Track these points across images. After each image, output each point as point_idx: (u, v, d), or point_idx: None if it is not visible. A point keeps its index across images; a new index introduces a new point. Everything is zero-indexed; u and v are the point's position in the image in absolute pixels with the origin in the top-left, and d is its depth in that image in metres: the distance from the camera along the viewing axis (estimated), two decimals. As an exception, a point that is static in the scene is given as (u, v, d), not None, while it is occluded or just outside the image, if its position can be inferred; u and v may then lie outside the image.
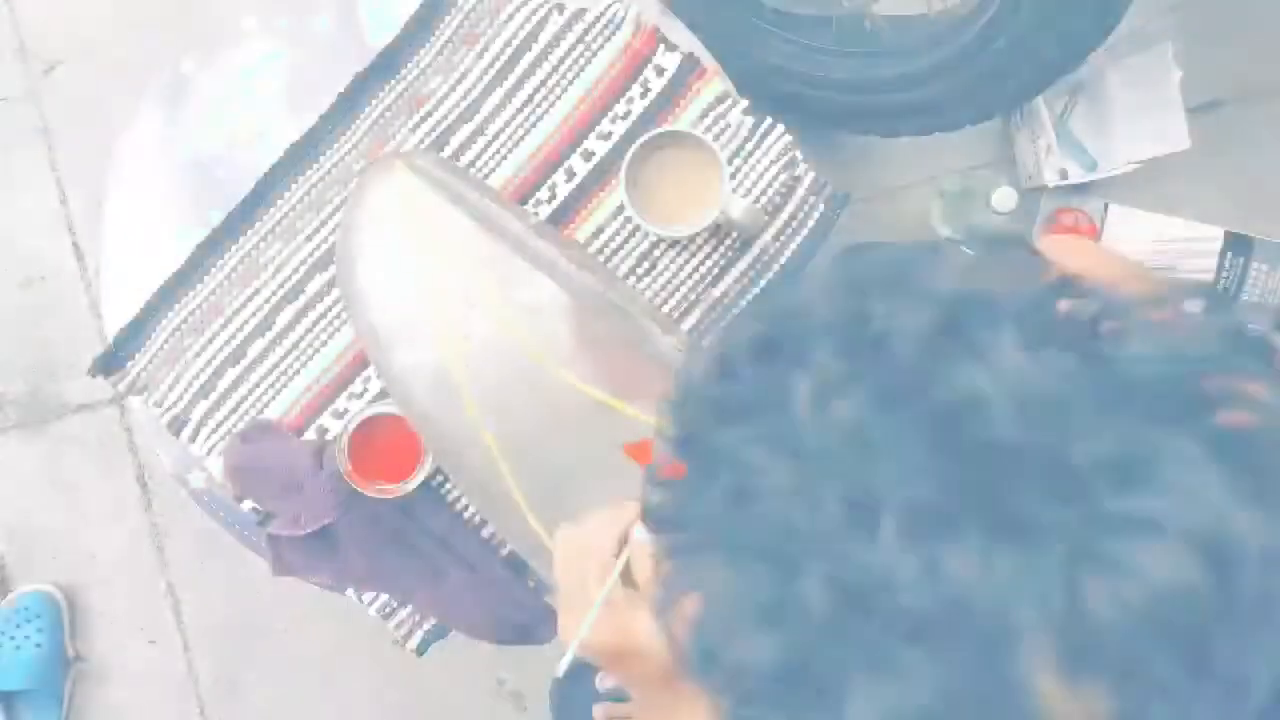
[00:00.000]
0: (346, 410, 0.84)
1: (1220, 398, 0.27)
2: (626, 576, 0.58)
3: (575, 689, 1.21)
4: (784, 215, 0.84)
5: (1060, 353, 0.27)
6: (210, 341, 0.85)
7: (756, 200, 0.84)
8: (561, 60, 0.84)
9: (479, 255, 0.72)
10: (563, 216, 0.84)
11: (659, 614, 0.32)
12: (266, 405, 0.85)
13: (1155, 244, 1.29)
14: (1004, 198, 1.12)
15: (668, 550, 0.33)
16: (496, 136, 0.84)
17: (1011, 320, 0.28)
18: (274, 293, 0.84)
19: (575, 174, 0.84)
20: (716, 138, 0.83)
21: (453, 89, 0.84)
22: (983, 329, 0.28)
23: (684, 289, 0.84)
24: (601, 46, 0.84)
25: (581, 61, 0.84)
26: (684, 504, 0.33)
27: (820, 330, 0.30)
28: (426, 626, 0.85)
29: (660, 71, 0.84)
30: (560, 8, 0.84)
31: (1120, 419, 0.26)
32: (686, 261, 0.84)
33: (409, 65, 0.84)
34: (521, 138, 0.84)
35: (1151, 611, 0.25)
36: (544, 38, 0.84)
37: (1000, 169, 1.34)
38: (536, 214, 0.83)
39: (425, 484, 0.80)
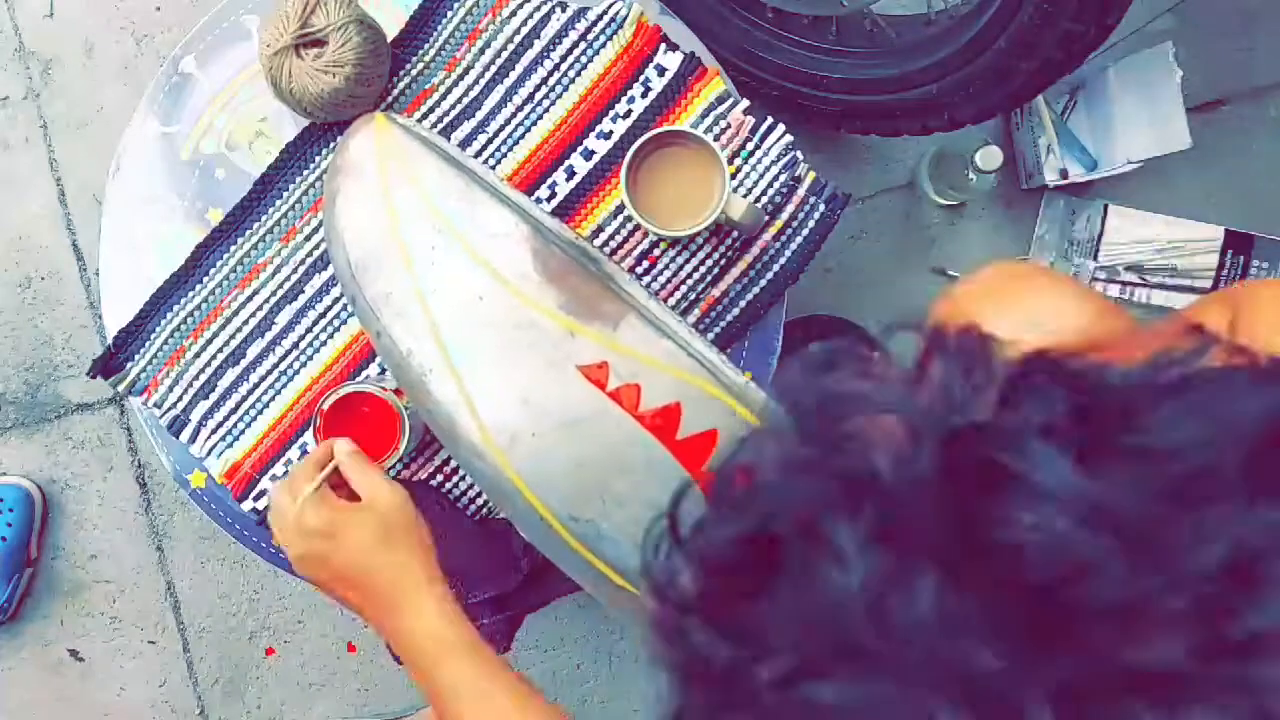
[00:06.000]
0: (347, 410, 0.84)
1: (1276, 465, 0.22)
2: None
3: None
4: (784, 215, 0.84)
5: (1107, 469, 0.23)
6: (209, 342, 0.85)
7: (757, 200, 0.84)
8: (563, 58, 0.84)
9: (447, 189, 0.74)
10: (563, 215, 0.84)
11: None
12: (266, 405, 0.85)
13: (1155, 244, 1.29)
14: (989, 156, 1.12)
15: None
16: (498, 134, 0.84)
17: (1034, 445, 0.23)
18: (273, 293, 0.84)
19: (576, 173, 0.84)
20: (717, 138, 0.83)
21: (454, 85, 0.84)
22: (1012, 459, 0.23)
23: (684, 289, 0.84)
24: (603, 45, 0.84)
25: (583, 60, 0.84)
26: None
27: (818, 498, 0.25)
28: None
29: (661, 71, 0.84)
30: (562, 6, 0.84)
31: (1205, 523, 0.21)
32: (686, 261, 0.84)
33: (411, 61, 0.84)
34: (522, 135, 0.84)
35: None
36: (546, 35, 0.84)
37: (1000, 167, 1.34)
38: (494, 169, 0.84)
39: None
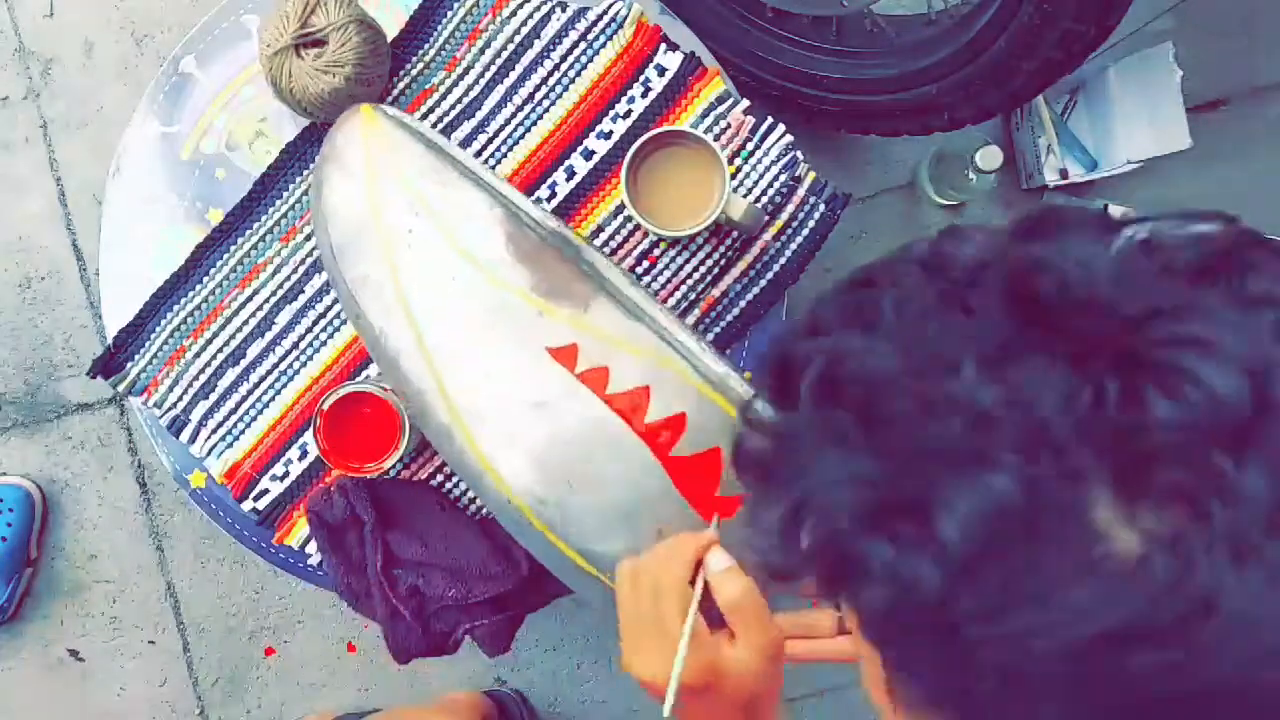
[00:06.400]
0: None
1: (1242, 271, 0.31)
2: (704, 607, 0.58)
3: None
4: (784, 215, 0.84)
5: (1115, 239, 0.32)
6: (209, 342, 0.85)
7: (757, 200, 0.84)
8: (563, 58, 0.84)
9: (426, 173, 0.74)
10: (563, 215, 0.84)
11: (755, 524, 0.35)
12: (266, 405, 0.85)
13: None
14: (989, 156, 1.12)
15: (760, 474, 0.36)
16: (498, 134, 0.84)
17: (1074, 223, 0.33)
18: (273, 293, 0.84)
19: (576, 173, 0.84)
20: (717, 138, 0.83)
21: (454, 85, 0.84)
22: (1049, 229, 0.33)
23: (684, 289, 0.84)
24: (603, 45, 0.84)
25: (583, 60, 0.84)
26: (780, 414, 0.36)
27: (903, 262, 0.35)
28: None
29: (662, 71, 0.84)
30: (563, 5, 0.84)
31: (1165, 285, 0.31)
32: (686, 261, 0.84)
33: (411, 61, 0.84)
34: (522, 135, 0.84)
35: (1207, 417, 0.28)
36: (546, 35, 0.84)
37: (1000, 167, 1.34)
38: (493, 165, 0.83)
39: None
